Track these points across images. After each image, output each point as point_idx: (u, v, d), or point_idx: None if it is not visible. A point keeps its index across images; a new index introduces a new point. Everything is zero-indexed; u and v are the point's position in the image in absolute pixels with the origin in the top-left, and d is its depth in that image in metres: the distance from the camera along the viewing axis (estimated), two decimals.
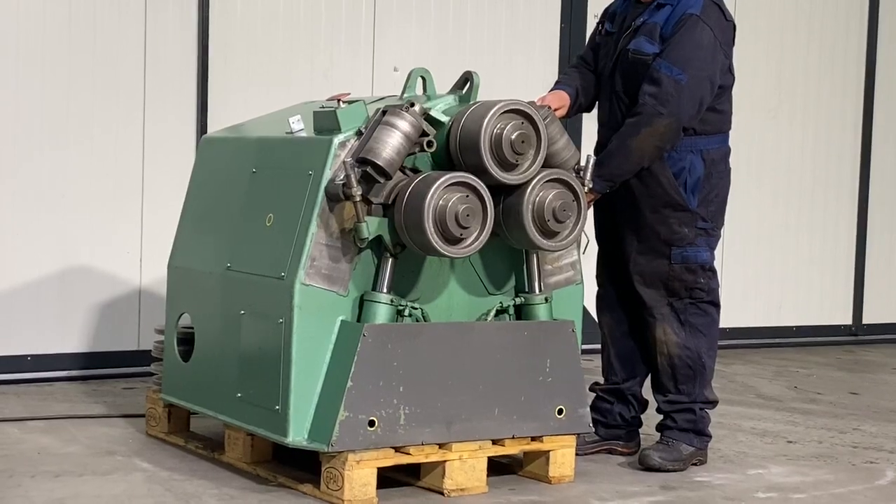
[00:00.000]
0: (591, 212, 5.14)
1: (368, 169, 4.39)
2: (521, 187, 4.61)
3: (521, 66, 7.77)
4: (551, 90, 5.27)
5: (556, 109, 5.05)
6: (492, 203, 4.51)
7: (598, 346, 5.48)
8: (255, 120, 5.51)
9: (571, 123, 5.47)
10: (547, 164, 4.69)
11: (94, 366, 6.62)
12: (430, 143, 4.53)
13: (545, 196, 4.63)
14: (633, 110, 5.01)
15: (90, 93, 6.56)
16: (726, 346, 8.35)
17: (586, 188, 4.79)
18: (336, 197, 4.41)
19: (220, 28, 6.84)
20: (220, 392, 4.82)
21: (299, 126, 4.71)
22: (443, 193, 4.41)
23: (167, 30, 6.71)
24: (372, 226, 4.45)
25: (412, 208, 4.41)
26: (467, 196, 4.45)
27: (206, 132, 6.64)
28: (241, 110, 6.55)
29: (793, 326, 9.03)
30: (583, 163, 4.86)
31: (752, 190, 8.67)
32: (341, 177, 4.39)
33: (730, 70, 5.10)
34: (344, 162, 4.38)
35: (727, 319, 8.39)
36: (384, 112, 4.46)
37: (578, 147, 5.95)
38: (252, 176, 4.87)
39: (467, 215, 4.42)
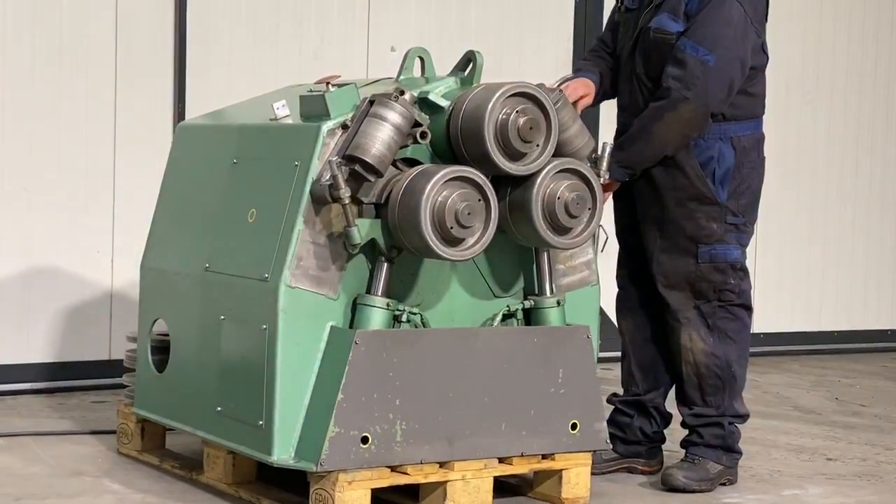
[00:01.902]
0: (609, 205, 5.14)
1: (357, 167, 4.37)
2: (529, 179, 4.61)
3: (531, 45, 7.77)
4: (574, 76, 5.26)
5: (582, 97, 5.09)
6: (496, 199, 4.50)
7: (618, 354, 5.48)
8: (236, 105, 5.52)
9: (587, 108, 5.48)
10: (558, 153, 4.68)
11: (60, 377, 6.63)
12: (423, 135, 4.51)
13: (556, 188, 4.62)
14: (656, 94, 5.01)
15: (55, 73, 6.56)
16: (760, 354, 8.37)
17: (602, 179, 4.78)
18: (322, 199, 4.41)
19: (199, 2, 6.83)
20: (199, 406, 4.83)
21: (284, 112, 4.71)
22: (441, 190, 4.39)
23: (140, 4, 6.70)
24: (363, 229, 4.44)
25: (407, 207, 4.40)
26: (468, 192, 4.43)
27: (183, 118, 6.64)
28: (221, 94, 6.55)
29: (834, 331, 9.03)
30: (599, 151, 4.85)
31: (789, 181, 8.67)
32: (327, 177, 4.38)
33: (763, 49, 5.10)
34: (329, 161, 4.37)
35: (761, 324, 8.41)
36: (371, 102, 4.45)
37: (595, 134, 5.95)
38: (233, 167, 4.88)
39: (468, 213, 4.40)
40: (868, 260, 9.10)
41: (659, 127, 4.98)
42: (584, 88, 5.17)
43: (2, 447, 5.45)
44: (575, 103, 5.04)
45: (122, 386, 5.51)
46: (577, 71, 5.34)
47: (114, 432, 5.51)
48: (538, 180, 4.60)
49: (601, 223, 4.81)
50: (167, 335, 5.09)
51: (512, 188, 4.64)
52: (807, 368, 8.34)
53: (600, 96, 5.31)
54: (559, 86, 5.11)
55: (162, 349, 5.13)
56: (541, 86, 4.69)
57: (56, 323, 6.62)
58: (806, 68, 8.74)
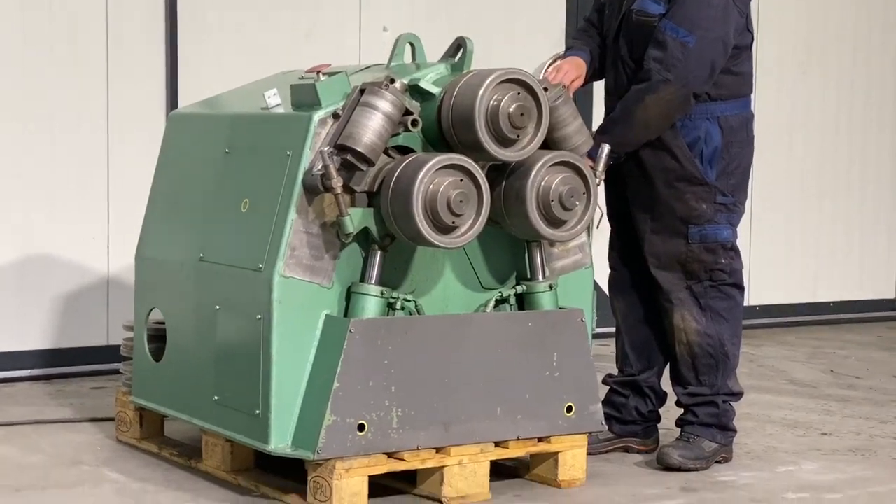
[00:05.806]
0: (600, 187, 5.16)
1: (348, 156, 4.39)
2: (523, 170, 4.62)
3: (522, 30, 7.76)
4: (565, 56, 5.27)
5: (574, 79, 5.07)
6: (488, 187, 4.51)
7: (614, 331, 5.49)
8: (228, 93, 5.51)
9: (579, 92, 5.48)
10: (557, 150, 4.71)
11: (58, 364, 6.65)
12: (415, 122, 4.53)
13: (551, 180, 4.63)
14: (638, 76, 5.02)
15: (47, 61, 6.55)
16: (755, 326, 8.40)
17: (598, 180, 4.80)
18: (315, 189, 4.42)
19: None
20: (196, 394, 4.85)
21: (276, 101, 4.71)
22: (433, 178, 4.41)
23: None
24: (356, 218, 4.46)
25: (399, 195, 4.42)
26: (460, 180, 4.45)
27: (176, 105, 6.65)
28: (214, 80, 6.55)
29: (829, 302, 9.05)
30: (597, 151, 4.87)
31: (783, 154, 8.67)
32: (319, 166, 4.40)
33: (748, 28, 5.10)
34: (321, 151, 4.39)
35: (756, 296, 8.43)
36: (362, 91, 4.46)
37: (588, 119, 5.94)
38: (225, 157, 4.88)
39: (460, 201, 4.42)
40: (863, 231, 9.11)
41: (640, 109, 4.98)
42: (576, 71, 5.16)
43: (1, 437, 5.47)
44: (566, 87, 5.05)
45: (121, 372, 5.53)
46: (569, 49, 5.34)
47: (112, 420, 5.53)
48: (533, 172, 4.60)
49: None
50: (163, 324, 5.11)
51: (506, 180, 4.66)
52: (802, 340, 8.36)
53: (591, 75, 5.31)
54: (551, 64, 5.12)
55: (158, 338, 5.14)
56: (543, 81, 4.70)
57: (53, 310, 6.63)
58: (798, 40, 8.72)
